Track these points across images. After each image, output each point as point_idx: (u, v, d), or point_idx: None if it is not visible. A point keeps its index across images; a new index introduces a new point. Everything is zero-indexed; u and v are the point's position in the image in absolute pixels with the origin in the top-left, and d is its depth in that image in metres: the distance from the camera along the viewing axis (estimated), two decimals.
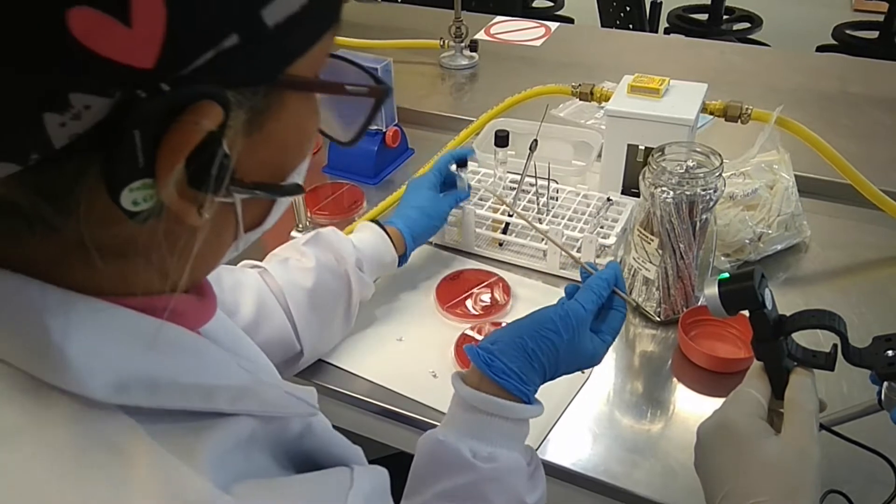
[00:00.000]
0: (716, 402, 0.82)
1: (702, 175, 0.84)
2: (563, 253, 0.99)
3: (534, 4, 3.60)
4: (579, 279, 1.00)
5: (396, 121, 1.26)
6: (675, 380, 0.87)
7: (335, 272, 0.84)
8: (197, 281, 0.44)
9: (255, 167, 0.37)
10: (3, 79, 0.27)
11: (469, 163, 1.04)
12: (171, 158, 0.31)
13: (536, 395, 0.65)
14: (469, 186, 1.04)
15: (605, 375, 0.87)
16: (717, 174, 0.84)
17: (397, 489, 0.64)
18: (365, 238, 0.90)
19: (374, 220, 0.93)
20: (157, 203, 0.33)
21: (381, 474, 0.47)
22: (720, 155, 0.85)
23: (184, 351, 0.40)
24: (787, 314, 0.62)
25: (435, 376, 0.86)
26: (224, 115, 0.32)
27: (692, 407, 0.83)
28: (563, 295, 0.72)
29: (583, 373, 0.86)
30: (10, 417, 0.34)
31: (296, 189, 0.41)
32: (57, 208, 0.32)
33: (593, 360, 0.68)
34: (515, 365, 0.63)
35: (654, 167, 0.85)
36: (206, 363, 0.40)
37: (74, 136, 0.29)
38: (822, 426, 0.64)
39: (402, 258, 0.94)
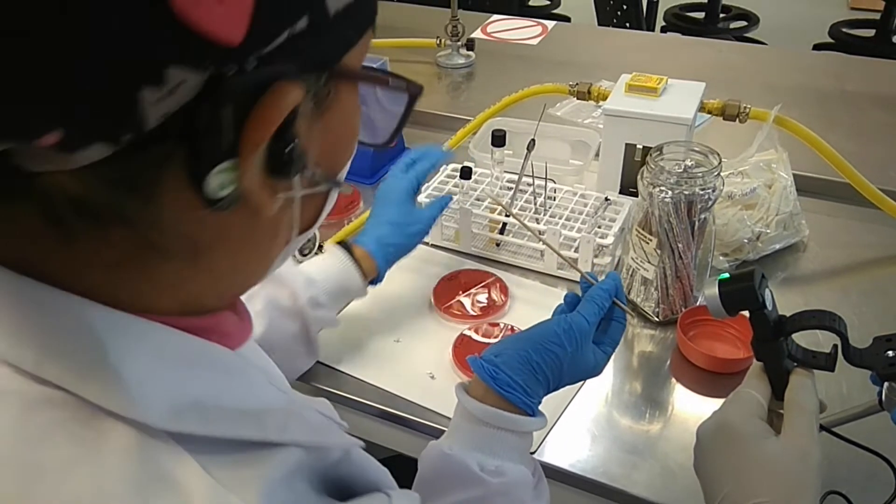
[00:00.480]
0: (714, 403, 0.82)
1: (700, 174, 0.83)
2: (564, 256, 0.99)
3: (530, 3, 3.59)
4: (577, 279, 1.00)
5: None
6: (673, 380, 0.87)
7: (288, 311, 0.80)
8: (249, 286, 0.43)
9: (317, 159, 0.38)
10: (108, 48, 0.27)
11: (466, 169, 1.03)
12: (256, 137, 0.32)
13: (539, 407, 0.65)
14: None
15: (603, 376, 0.85)
16: (715, 173, 0.83)
17: None
18: (327, 267, 0.84)
19: (342, 242, 0.87)
20: (236, 190, 0.33)
21: (415, 500, 0.48)
22: (718, 154, 0.85)
23: (230, 373, 0.40)
24: (787, 314, 0.61)
25: (433, 378, 0.86)
26: (303, 94, 0.33)
27: (691, 407, 0.83)
28: (562, 301, 0.72)
29: None
30: (66, 448, 0.33)
31: (346, 186, 0.42)
32: (140, 202, 0.32)
33: (594, 371, 0.68)
34: (520, 378, 0.63)
35: (653, 166, 0.84)
36: (250, 386, 0.41)
37: (165, 116, 0.29)
38: (822, 427, 0.63)
39: (375, 280, 0.88)
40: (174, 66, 0.28)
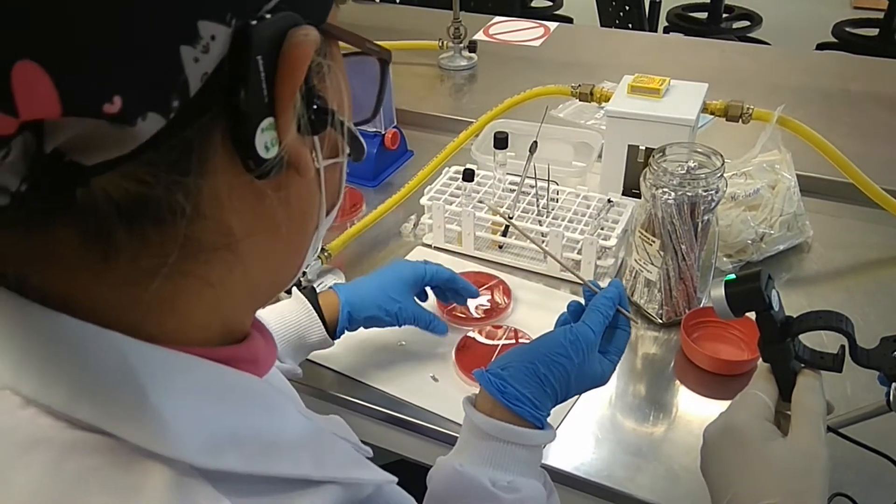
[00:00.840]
0: (719, 405, 0.82)
1: (703, 176, 0.83)
2: (564, 256, 0.99)
3: (532, 4, 3.59)
4: (580, 281, 0.99)
5: (395, 122, 1.25)
6: (677, 382, 0.86)
7: None
8: (283, 286, 0.43)
9: (336, 114, 0.38)
10: (144, 11, 0.27)
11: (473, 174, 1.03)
12: (289, 86, 0.32)
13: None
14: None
15: None
16: (718, 175, 0.83)
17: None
18: (288, 318, 0.80)
19: (309, 292, 0.82)
20: (280, 150, 0.33)
21: None
22: (721, 155, 0.84)
23: (263, 405, 0.39)
24: (794, 315, 0.61)
25: (435, 380, 0.85)
26: (319, 36, 0.33)
27: (695, 410, 0.83)
28: (565, 306, 0.72)
29: None
30: (100, 497, 0.31)
31: (362, 146, 0.42)
32: (190, 184, 0.31)
33: (601, 380, 0.68)
34: (528, 391, 0.62)
35: (655, 168, 0.84)
36: (283, 416, 0.40)
37: (205, 77, 0.29)
38: (829, 428, 0.63)
39: (335, 332, 0.82)
40: (203, 20, 0.28)
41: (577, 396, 0.83)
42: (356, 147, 0.41)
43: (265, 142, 0.32)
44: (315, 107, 0.35)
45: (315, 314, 0.80)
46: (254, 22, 0.30)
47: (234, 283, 0.37)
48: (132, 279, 0.33)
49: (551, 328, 0.75)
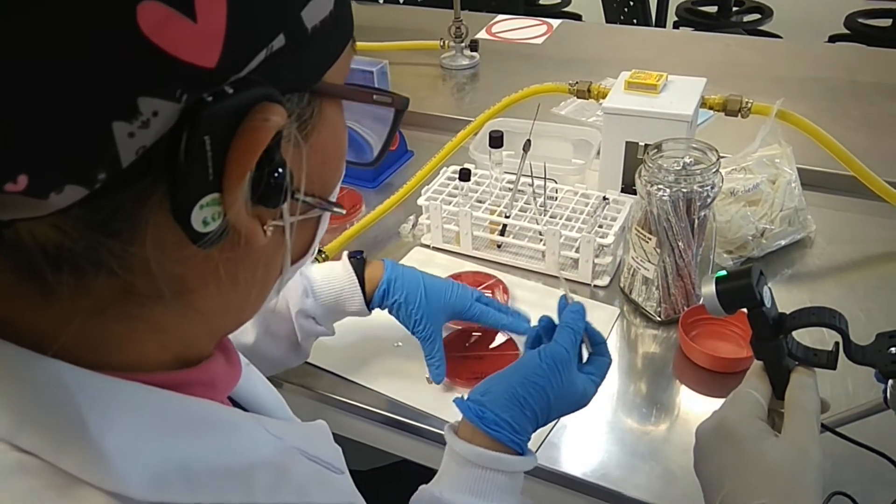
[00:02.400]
0: (718, 403, 0.80)
1: (698, 172, 0.82)
2: (562, 254, 0.98)
3: (540, 1, 3.57)
4: (578, 280, 0.99)
5: None
6: (676, 380, 0.85)
7: (280, 318, 0.79)
8: (243, 322, 0.42)
9: (306, 183, 0.36)
10: (73, 82, 0.25)
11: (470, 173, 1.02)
12: (241, 165, 0.30)
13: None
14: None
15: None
16: (713, 170, 0.82)
17: (399, 497, 0.63)
18: (333, 284, 0.81)
19: (357, 258, 0.83)
20: (223, 223, 0.31)
21: None
22: (717, 151, 0.83)
23: (217, 430, 0.38)
24: (787, 312, 0.60)
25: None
26: (286, 115, 0.31)
27: (694, 408, 0.82)
28: (537, 323, 0.72)
29: None
30: None
31: (340, 206, 0.40)
32: (121, 244, 0.30)
33: (583, 401, 0.67)
34: (508, 415, 0.62)
35: (650, 165, 0.83)
36: (240, 440, 0.39)
37: (141, 150, 0.28)
38: (825, 427, 0.62)
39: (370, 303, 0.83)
40: (145, 97, 0.27)
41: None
42: (329, 209, 0.39)
43: (204, 217, 0.30)
44: (274, 178, 0.32)
45: (358, 286, 0.81)
46: (209, 98, 0.28)
47: (188, 326, 0.36)
48: (71, 317, 0.32)
49: (592, 325, 0.75)
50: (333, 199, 0.40)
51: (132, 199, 0.29)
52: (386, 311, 0.84)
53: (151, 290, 0.33)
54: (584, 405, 0.67)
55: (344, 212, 0.39)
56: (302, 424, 0.51)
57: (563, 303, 0.71)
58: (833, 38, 3.25)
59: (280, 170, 0.32)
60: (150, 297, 0.33)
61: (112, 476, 0.31)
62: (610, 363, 0.70)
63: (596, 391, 0.67)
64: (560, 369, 0.64)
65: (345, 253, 0.85)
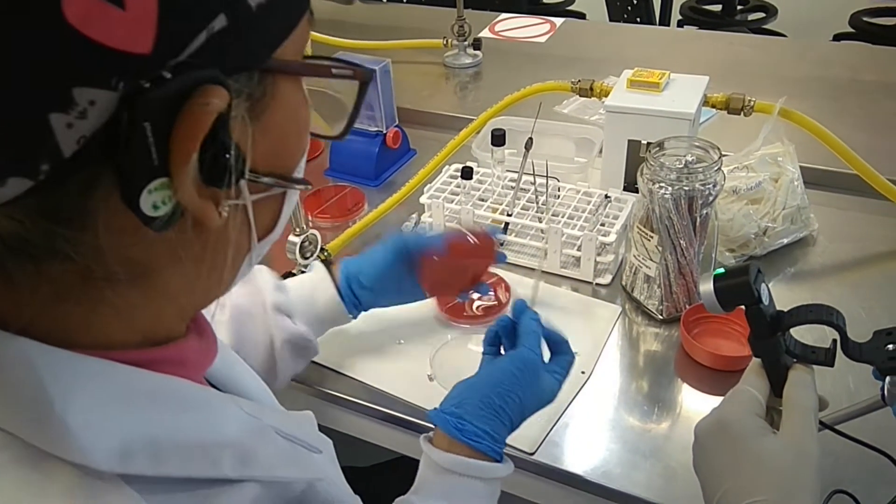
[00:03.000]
0: (719, 401, 0.81)
1: (700, 170, 0.82)
2: (563, 252, 0.98)
3: (543, 0, 3.57)
4: (580, 278, 0.99)
5: (397, 121, 1.25)
6: (678, 379, 0.85)
7: (258, 319, 0.75)
8: (213, 300, 0.42)
9: (261, 161, 0.36)
10: (4, 78, 0.26)
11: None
12: (184, 149, 0.30)
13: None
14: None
15: (606, 375, 0.86)
16: (716, 168, 0.82)
17: (400, 493, 0.63)
18: (305, 278, 0.82)
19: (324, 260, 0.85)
20: (175, 206, 0.31)
21: None
22: (719, 149, 0.83)
23: (186, 407, 0.38)
24: (785, 310, 0.60)
25: (431, 379, 0.85)
26: (228, 97, 0.31)
27: (696, 406, 0.82)
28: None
29: (583, 373, 0.85)
30: (9, 492, 0.32)
31: (304, 182, 0.40)
32: (74, 231, 0.31)
33: (551, 397, 0.68)
34: (487, 426, 0.63)
35: (652, 163, 0.83)
36: (209, 416, 0.39)
37: (83, 140, 0.28)
38: (824, 425, 0.62)
39: (355, 308, 0.83)
40: (80, 87, 0.27)
41: (574, 393, 0.83)
42: (292, 185, 0.39)
43: (153, 201, 0.31)
44: (224, 158, 0.32)
45: (328, 277, 0.81)
46: (147, 84, 0.28)
47: (153, 307, 0.37)
48: (36, 302, 0.33)
49: (551, 325, 0.75)
50: (300, 173, 0.40)
51: (80, 187, 0.30)
52: (360, 297, 0.82)
53: (110, 274, 0.33)
54: (551, 401, 0.68)
55: (309, 186, 0.40)
56: (285, 411, 0.51)
57: (521, 304, 0.72)
58: (838, 37, 3.24)
59: (228, 151, 0.32)
60: (111, 281, 0.33)
61: (77, 449, 0.32)
62: (573, 360, 0.71)
63: (560, 388, 0.69)
64: (530, 374, 0.66)
65: (317, 262, 0.85)
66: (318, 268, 0.83)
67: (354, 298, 0.82)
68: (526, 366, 0.66)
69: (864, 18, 3.30)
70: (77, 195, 0.30)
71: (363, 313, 0.85)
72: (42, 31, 0.26)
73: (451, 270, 0.84)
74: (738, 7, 3.47)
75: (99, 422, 0.33)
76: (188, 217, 0.33)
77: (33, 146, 0.27)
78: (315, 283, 0.81)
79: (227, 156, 0.32)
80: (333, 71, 0.38)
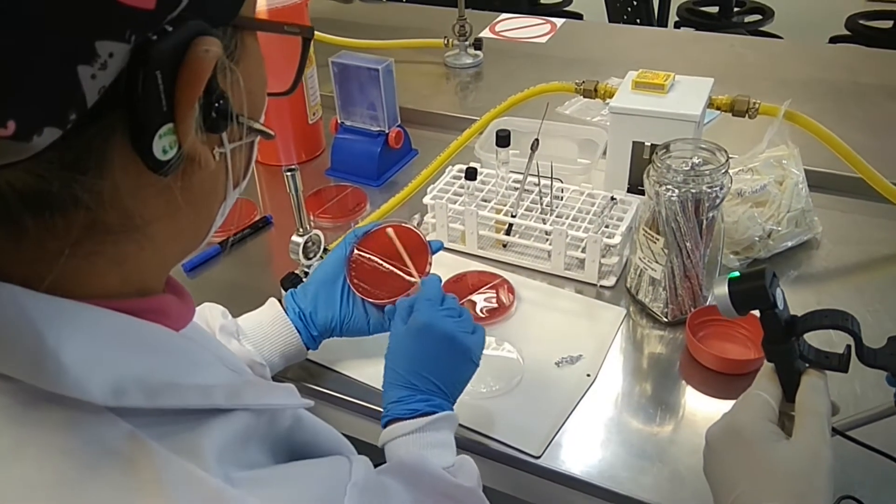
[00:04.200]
0: (725, 405, 0.80)
1: (707, 172, 0.82)
2: (568, 254, 0.98)
3: (542, 1, 3.57)
4: (585, 280, 0.98)
5: (399, 121, 1.25)
6: (683, 382, 0.85)
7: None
8: (191, 251, 0.44)
9: (238, 111, 0.39)
10: (40, 36, 0.28)
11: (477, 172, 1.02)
12: (189, 94, 0.34)
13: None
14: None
15: (612, 377, 0.86)
16: (723, 171, 0.82)
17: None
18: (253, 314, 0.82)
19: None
20: (178, 151, 0.35)
21: (370, 464, 0.49)
22: (726, 151, 0.83)
23: (175, 353, 0.41)
24: (799, 314, 0.60)
25: None
26: (221, 46, 0.35)
27: (701, 409, 0.81)
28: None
29: (588, 375, 0.85)
30: (11, 430, 0.34)
31: (270, 134, 0.44)
32: (93, 179, 0.33)
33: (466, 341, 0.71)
34: (397, 394, 0.68)
35: (659, 165, 0.83)
36: (198, 364, 0.42)
37: (103, 90, 0.31)
38: (836, 431, 0.62)
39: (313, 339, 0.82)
40: (101, 40, 0.30)
41: (580, 397, 0.82)
42: (262, 134, 0.43)
43: (163, 146, 0.34)
44: (217, 105, 0.36)
45: (276, 302, 0.82)
46: (154, 37, 0.32)
47: (145, 258, 0.39)
48: (40, 257, 0.35)
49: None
50: (261, 123, 0.44)
51: (98, 137, 0.33)
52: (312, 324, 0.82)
53: (117, 224, 0.36)
54: (472, 344, 0.71)
55: (273, 134, 0.44)
56: (265, 381, 0.52)
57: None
58: (834, 39, 3.25)
59: (222, 97, 0.37)
60: (112, 232, 0.36)
61: (73, 384, 0.34)
62: (434, 280, 0.77)
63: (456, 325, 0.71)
64: (428, 334, 0.69)
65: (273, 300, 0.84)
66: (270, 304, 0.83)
67: (296, 307, 0.82)
68: (419, 328, 0.70)
69: (861, 21, 3.31)
70: (96, 145, 0.33)
71: None
72: None
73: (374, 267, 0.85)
74: (735, 9, 3.48)
75: (93, 359, 0.35)
76: (187, 162, 0.36)
77: (66, 96, 0.30)
78: (262, 309, 0.82)
79: (223, 102, 0.36)
80: (285, 28, 0.43)
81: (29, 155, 0.30)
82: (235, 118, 0.38)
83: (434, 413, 0.67)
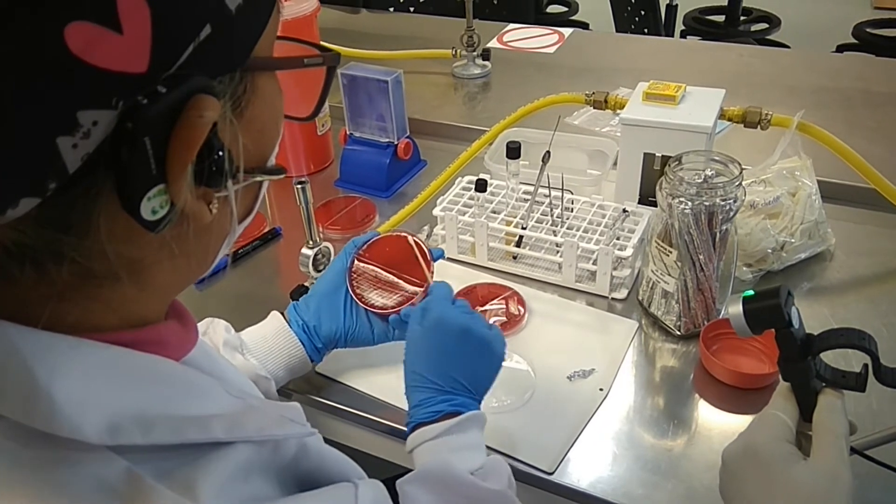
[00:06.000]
0: (739, 419, 0.80)
1: (721, 185, 0.81)
2: (579, 266, 0.97)
3: (548, 10, 3.57)
4: (596, 293, 0.98)
5: (408, 132, 1.24)
6: (696, 396, 0.84)
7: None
8: (191, 283, 0.44)
9: (244, 154, 0.38)
10: (14, 110, 0.27)
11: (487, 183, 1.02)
12: (181, 158, 0.32)
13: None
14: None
15: (624, 392, 0.85)
16: (736, 183, 0.81)
17: None
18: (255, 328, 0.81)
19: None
20: (171, 209, 0.33)
21: (381, 487, 0.48)
22: (739, 163, 0.82)
23: (173, 383, 0.40)
24: (814, 328, 0.59)
25: None
26: (220, 106, 0.33)
27: (716, 424, 0.81)
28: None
29: (601, 390, 0.84)
30: (3, 470, 0.33)
31: (280, 170, 0.42)
32: (76, 238, 0.32)
33: (483, 333, 0.70)
34: (417, 400, 0.67)
35: (671, 177, 0.82)
36: (196, 394, 0.41)
37: (86, 157, 0.30)
38: (854, 450, 0.61)
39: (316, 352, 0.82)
40: (83, 111, 0.28)
41: (594, 411, 0.81)
42: (269, 174, 0.41)
43: (152, 207, 0.32)
44: (216, 158, 0.34)
45: (279, 316, 0.82)
46: (144, 100, 0.30)
47: (144, 297, 0.39)
48: (34, 300, 0.34)
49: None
50: (273, 157, 0.43)
51: (82, 198, 0.32)
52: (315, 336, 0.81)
53: (109, 273, 0.35)
54: (491, 337, 0.71)
55: (283, 174, 0.42)
56: (270, 401, 0.51)
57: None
58: (841, 48, 3.24)
59: (220, 153, 0.34)
60: (108, 279, 0.35)
61: (65, 424, 0.33)
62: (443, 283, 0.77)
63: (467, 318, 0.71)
64: (444, 329, 0.69)
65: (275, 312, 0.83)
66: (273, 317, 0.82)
67: (300, 319, 0.81)
68: (435, 324, 0.69)
69: (868, 29, 3.30)
70: (79, 205, 0.32)
71: None
72: (47, 63, 0.27)
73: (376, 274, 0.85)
74: (742, 17, 3.48)
75: (86, 397, 0.34)
76: (183, 217, 0.35)
77: (43, 168, 0.29)
78: (265, 322, 0.81)
79: (219, 155, 0.34)
80: (305, 61, 0.41)
81: (3, 223, 0.30)
82: (232, 171, 0.36)
83: (459, 413, 0.65)
